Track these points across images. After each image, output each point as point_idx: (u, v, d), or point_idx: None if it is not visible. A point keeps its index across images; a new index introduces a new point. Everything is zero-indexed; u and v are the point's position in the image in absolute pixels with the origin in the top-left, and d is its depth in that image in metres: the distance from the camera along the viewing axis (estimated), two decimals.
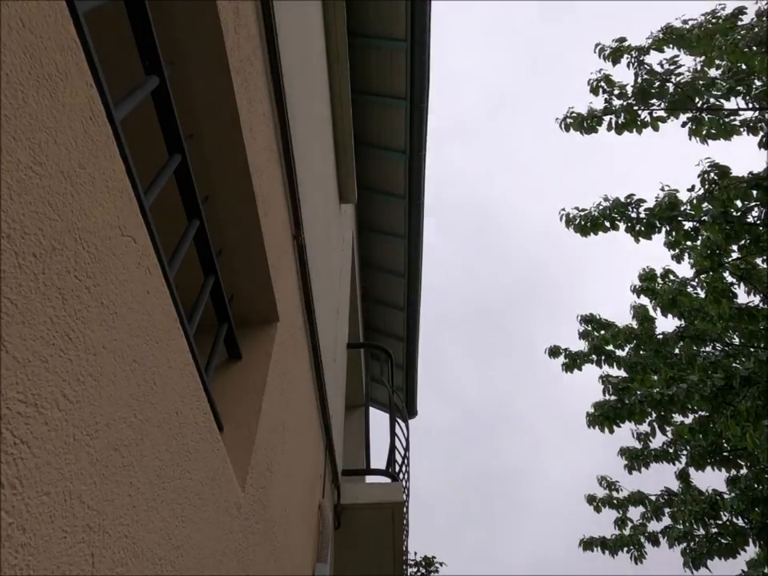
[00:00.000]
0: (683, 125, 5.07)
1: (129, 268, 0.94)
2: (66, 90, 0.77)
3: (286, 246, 2.21)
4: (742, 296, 5.48)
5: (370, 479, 4.70)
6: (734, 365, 5.35)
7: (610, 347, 6.30)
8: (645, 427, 6.55)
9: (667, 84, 5.07)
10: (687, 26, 5.18)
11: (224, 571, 1.38)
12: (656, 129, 5.28)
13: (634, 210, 5.30)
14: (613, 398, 5.96)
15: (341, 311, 4.42)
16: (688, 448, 6.27)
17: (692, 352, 5.64)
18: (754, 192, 4.61)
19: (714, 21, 5.05)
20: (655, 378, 5.89)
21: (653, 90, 5.09)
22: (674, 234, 5.24)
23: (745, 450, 5.35)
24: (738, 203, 4.71)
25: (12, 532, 0.62)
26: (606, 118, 5.40)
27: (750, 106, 4.85)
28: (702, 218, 4.96)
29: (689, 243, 5.48)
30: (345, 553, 3.97)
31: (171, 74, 1.35)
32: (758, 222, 4.69)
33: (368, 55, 5.02)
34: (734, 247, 5.17)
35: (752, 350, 5.30)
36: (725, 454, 5.97)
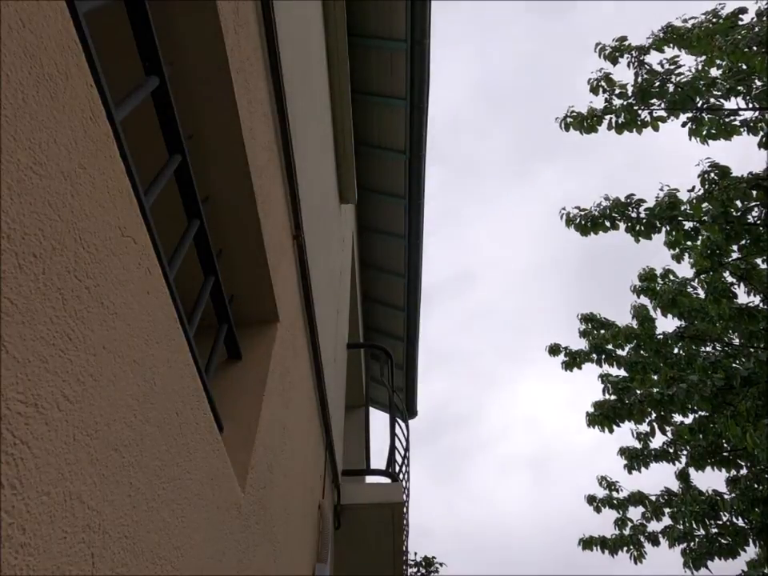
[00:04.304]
0: (683, 125, 5.07)
1: (129, 268, 0.94)
2: (66, 90, 0.77)
3: (286, 246, 2.21)
4: (742, 296, 5.49)
5: (369, 479, 4.70)
6: (733, 365, 5.35)
7: (610, 346, 6.31)
8: (645, 427, 6.56)
9: (667, 84, 5.07)
10: (688, 25, 5.18)
11: (224, 571, 1.38)
12: (656, 129, 5.28)
13: (634, 209, 5.31)
14: (612, 397, 5.97)
15: (341, 311, 4.42)
16: (688, 448, 6.27)
17: (692, 352, 5.65)
18: (754, 192, 4.61)
19: (714, 20, 5.05)
20: (655, 377, 5.90)
21: (653, 90, 5.09)
22: (674, 233, 5.24)
23: (745, 450, 5.35)
24: (738, 203, 4.71)
25: (12, 532, 0.62)
26: (606, 118, 5.40)
27: (750, 105, 4.85)
28: (702, 218, 4.97)
29: (689, 243, 5.48)
30: (345, 553, 3.98)
31: (171, 74, 1.36)
32: (758, 222, 4.69)
33: (368, 55, 5.02)
34: (734, 247, 5.17)
35: (752, 350, 5.30)
36: (725, 454, 5.97)
